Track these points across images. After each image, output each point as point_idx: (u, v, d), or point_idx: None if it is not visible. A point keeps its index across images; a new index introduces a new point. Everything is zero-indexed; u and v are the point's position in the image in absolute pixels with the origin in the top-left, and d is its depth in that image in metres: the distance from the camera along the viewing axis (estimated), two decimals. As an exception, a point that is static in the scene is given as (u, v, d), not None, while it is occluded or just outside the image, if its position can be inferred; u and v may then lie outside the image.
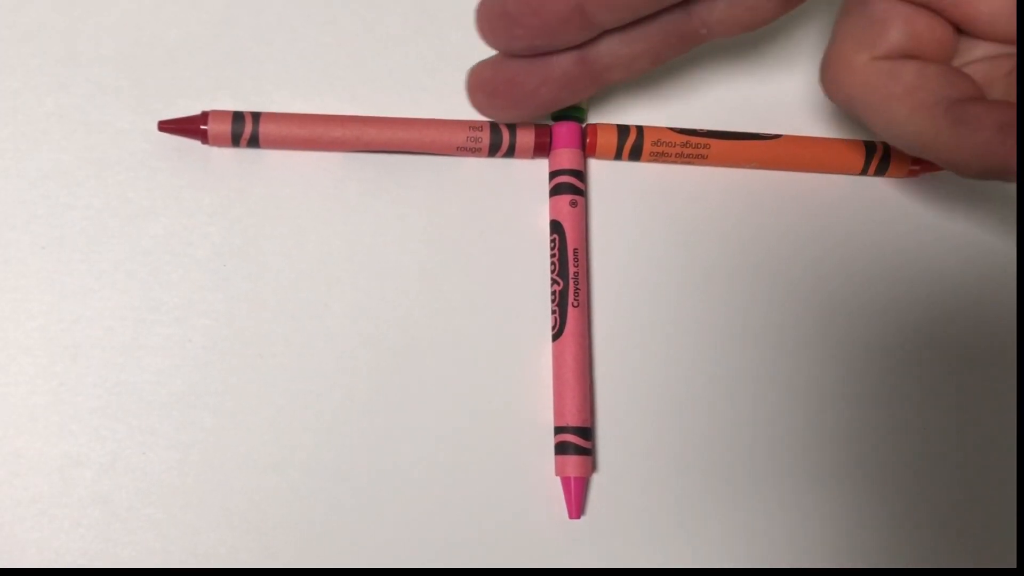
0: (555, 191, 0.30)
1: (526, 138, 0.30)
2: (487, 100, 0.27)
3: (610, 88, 0.32)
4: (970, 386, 0.31)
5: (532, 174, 0.31)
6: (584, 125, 0.31)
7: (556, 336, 0.29)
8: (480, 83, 0.27)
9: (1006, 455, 0.31)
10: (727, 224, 0.31)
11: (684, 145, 0.31)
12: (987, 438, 0.31)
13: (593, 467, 0.29)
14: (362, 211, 0.30)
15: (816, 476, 0.30)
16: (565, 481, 0.28)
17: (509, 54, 0.26)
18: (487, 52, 0.32)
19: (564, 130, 0.31)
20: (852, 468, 0.30)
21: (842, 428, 0.30)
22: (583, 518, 0.29)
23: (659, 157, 0.31)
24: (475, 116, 0.31)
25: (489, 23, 0.25)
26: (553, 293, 0.30)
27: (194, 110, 0.30)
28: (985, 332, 0.32)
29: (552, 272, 0.30)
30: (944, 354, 0.31)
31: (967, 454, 0.31)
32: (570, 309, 0.29)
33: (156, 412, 0.28)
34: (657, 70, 0.32)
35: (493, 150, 0.30)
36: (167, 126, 0.29)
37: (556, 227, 0.30)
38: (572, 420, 0.29)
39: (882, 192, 0.32)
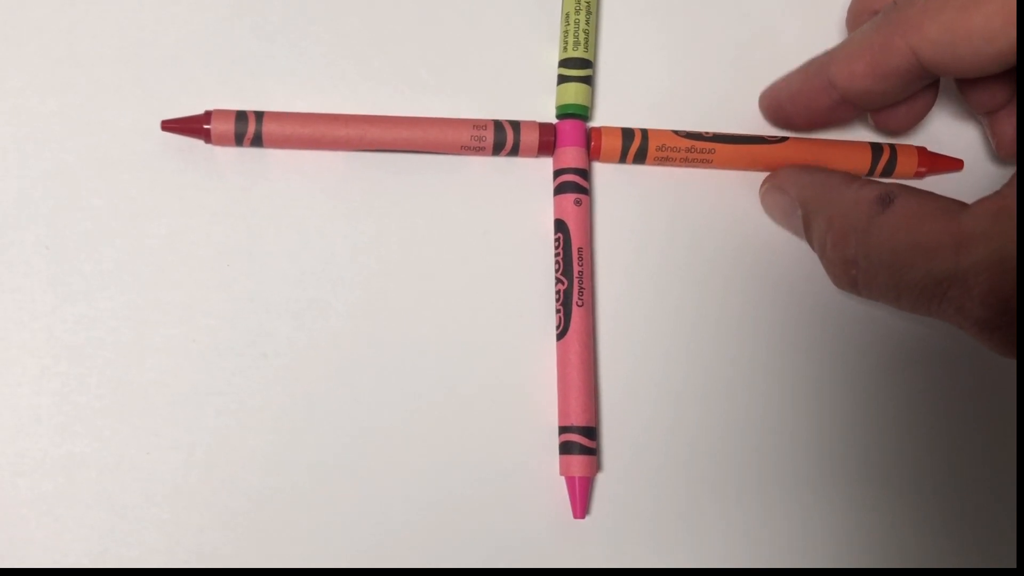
0: (559, 190, 0.30)
1: (530, 137, 0.30)
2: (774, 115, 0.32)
3: (614, 87, 0.32)
4: (971, 386, 0.31)
5: (536, 173, 0.31)
6: (588, 126, 0.31)
7: (560, 335, 0.29)
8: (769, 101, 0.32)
9: (1006, 455, 0.31)
10: (732, 224, 0.31)
11: (689, 150, 0.31)
12: (987, 439, 0.31)
13: (598, 467, 0.29)
14: (366, 210, 0.30)
15: (819, 475, 0.30)
16: (570, 481, 0.28)
17: (790, 132, 0.32)
18: (492, 50, 0.32)
19: (568, 128, 0.31)
20: (855, 468, 0.30)
21: (845, 428, 0.30)
22: (588, 518, 0.29)
23: (664, 161, 0.31)
24: (478, 115, 0.31)
25: (770, 113, 0.31)
26: (557, 292, 0.30)
27: (197, 109, 0.30)
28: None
29: (556, 271, 0.30)
30: (946, 353, 0.31)
31: (967, 454, 0.31)
32: (574, 308, 0.29)
33: (160, 412, 0.28)
34: (661, 71, 0.33)
35: (497, 149, 0.30)
36: (170, 125, 0.29)
37: (560, 226, 0.30)
38: (577, 420, 0.29)
39: (886, 191, 0.32)
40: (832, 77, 0.28)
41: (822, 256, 0.28)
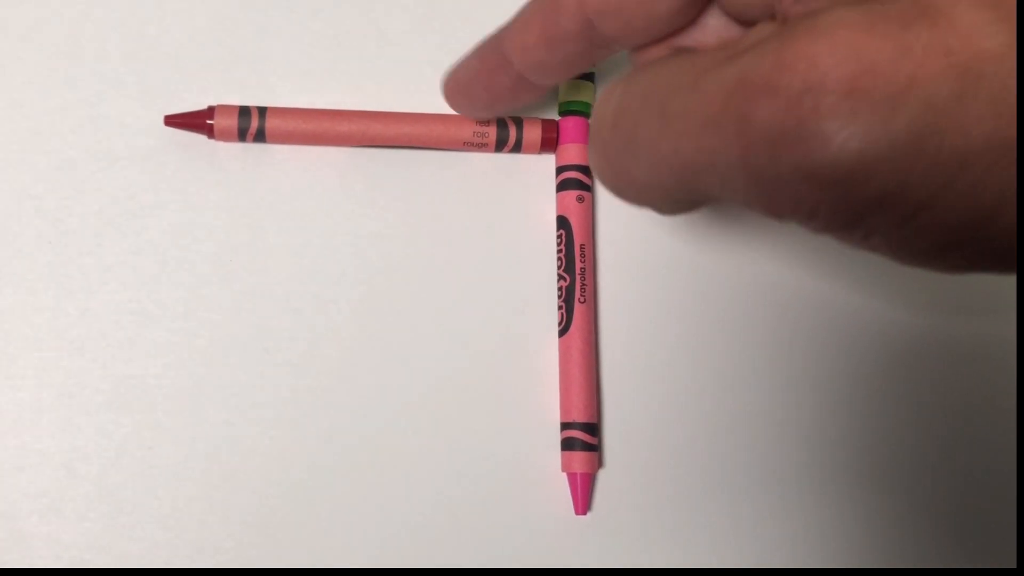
0: (562, 186, 0.30)
1: (533, 133, 0.30)
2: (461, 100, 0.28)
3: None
4: (970, 386, 0.31)
5: (539, 169, 0.31)
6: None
7: (562, 332, 0.29)
8: (455, 86, 0.28)
9: (1006, 455, 0.31)
10: (734, 220, 0.31)
11: (693, 142, 0.31)
12: (987, 438, 0.31)
13: (599, 463, 0.29)
14: (368, 206, 0.30)
15: (820, 475, 0.30)
16: (571, 477, 0.28)
17: (476, 118, 0.30)
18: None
19: (571, 125, 0.31)
20: (855, 468, 0.30)
21: (846, 427, 0.30)
22: (589, 514, 0.29)
23: (668, 154, 0.31)
24: (482, 111, 0.31)
25: (452, 99, 0.28)
26: (559, 289, 0.30)
27: (200, 105, 0.30)
28: (986, 332, 0.32)
29: (559, 268, 0.30)
30: (946, 353, 0.31)
31: (967, 454, 0.31)
32: (576, 305, 0.29)
33: (162, 407, 0.28)
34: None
35: (500, 145, 0.30)
36: (173, 121, 0.29)
37: (563, 223, 0.30)
38: (578, 416, 0.29)
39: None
40: (506, 52, 0.25)
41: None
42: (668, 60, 0.20)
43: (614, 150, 0.21)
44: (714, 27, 0.23)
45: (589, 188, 0.30)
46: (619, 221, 0.31)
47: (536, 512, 0.29)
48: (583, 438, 0.28)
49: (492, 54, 0.26)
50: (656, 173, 0.20)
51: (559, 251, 0.30)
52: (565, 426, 0.29)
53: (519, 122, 0.30)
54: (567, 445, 0.29)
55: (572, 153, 0.30)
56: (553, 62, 0.24)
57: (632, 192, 0.21)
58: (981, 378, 0.31)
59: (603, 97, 0.21)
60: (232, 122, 0.29)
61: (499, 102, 0.27)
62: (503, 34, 0.25)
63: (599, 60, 0.25)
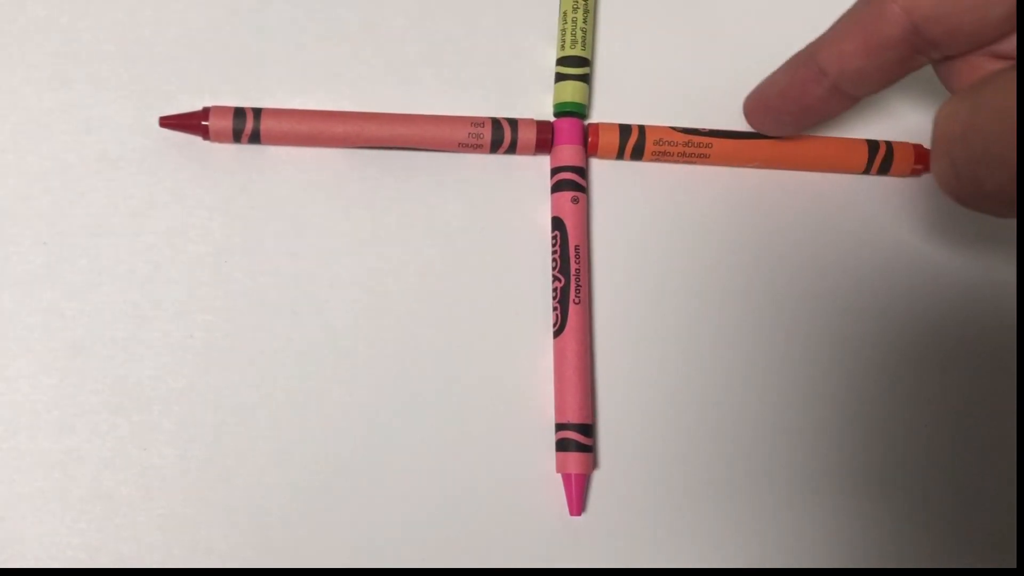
0: (556, 188, 0.30)
1: (528, 135, 0.30)
2: (764, 117, 0.30)
3: (611, 86, 0.32)
4: (970, 386, 0.31)
5: (534, 171, 0.31)
6: (586, 123, 0.31)
7: (557, 333, 0.29)
8: (757, 104, 0.29)
9: (1006, 455, 0.31)
10: (729, 222, 0.31)
11: (687, 144, 0.31)
12: (987, 438, 0.31)
13: (594, 464, 0.29)
14: (363, 207, 0.30)
15: (817, 474, 0.30)
16: (566, 478, 0.28)
17: (777, 135, 0.31)
18: (489, 48, 0.32)
19: (566, 126, 0.31)
20: (853, 467, 0.30)
21: (844, 427, 0.30)
22: (584, 515, 0.29)
23: (661, 156, 0.31)
24: (476, 113, 0.31)
25: (757, 115, 0.30)
26: (554, 290, 0.30)
27: (195, 106, 0.30)
28: (986, 331, 0.32)
29: (553, 269, 0.30)
30: (946, 353, 0.31)
31: (967, 454, 0.31)
32: (571, 306, 0.29)
33: (157, 408, 0.28)
34: (659, 70, 0.33)
35: (495, 146, 0.30)
36: (169, 122, 0.29)
37: (557, 224, 0.30)
38: (573, 417, 0.29)
39: (885, 191, 0.32)
40: (822, 63, 0.26)
41: None
42: (1013, 75, 0.21)
43: (964, 163, 0.22)
44: None
45: (583, 189, 0.30)
46: (614, 222, 0.31)
47: (531, 513, 0.29)
48: (578, 439, 0.28)
49: (804, 66, 0.27)
50: (1009, 184, 0.21)
51: (554, 252, 0.30)
52: (560, 427, 0.29)
53: (514, 123, 0.30)
54: (562, 446, 0.29)
55: (567, 154, 0.30)
56: (871, 69, 0.25)
57: (979, 201, 0.22)
58: (981, 377, 0.31)
59: (948, 112, 0.22)
60: (227, 123, 0.29)
61: (809, 115, 0.28)
62: (817, 44, 0.26)
63: (916, 68, 0.26)
